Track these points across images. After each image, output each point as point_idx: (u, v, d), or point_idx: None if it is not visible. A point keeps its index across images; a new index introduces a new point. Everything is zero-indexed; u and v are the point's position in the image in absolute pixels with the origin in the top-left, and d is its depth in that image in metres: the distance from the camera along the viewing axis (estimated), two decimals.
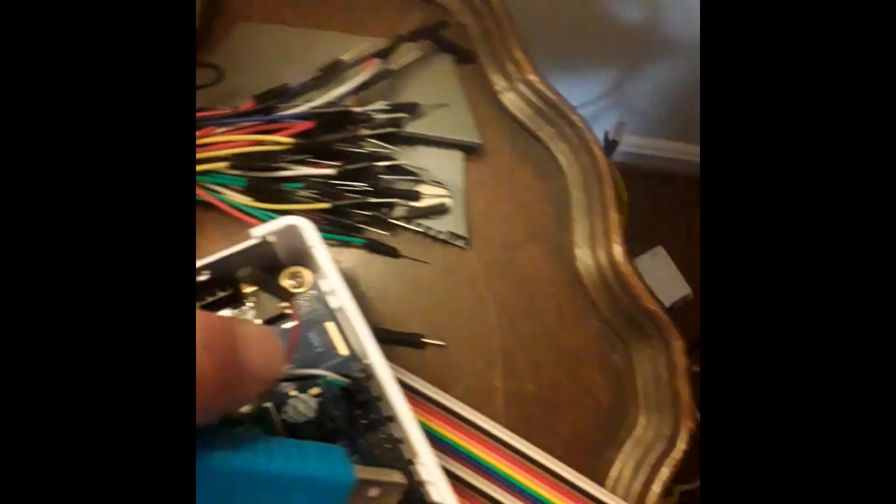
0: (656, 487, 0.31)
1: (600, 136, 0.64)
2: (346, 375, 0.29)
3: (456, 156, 0.39)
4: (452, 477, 0.31)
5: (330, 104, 0.34)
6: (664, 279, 1.09)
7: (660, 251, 1.10)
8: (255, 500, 0.20)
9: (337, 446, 0.26)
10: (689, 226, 1.15)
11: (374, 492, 0.25)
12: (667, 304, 1.09)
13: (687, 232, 1.14)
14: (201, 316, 0.18)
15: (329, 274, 0.29)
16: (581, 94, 0.96)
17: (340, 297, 0.29)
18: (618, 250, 0.35)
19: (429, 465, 0.26)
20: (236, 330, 0.20)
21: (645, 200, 1.16)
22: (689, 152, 1.10)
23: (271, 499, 0.21)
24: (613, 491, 0.32)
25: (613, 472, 0.32)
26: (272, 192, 0.33)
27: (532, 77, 0.39)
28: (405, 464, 0.29)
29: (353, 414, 0.30)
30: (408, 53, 0.38)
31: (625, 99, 0.97)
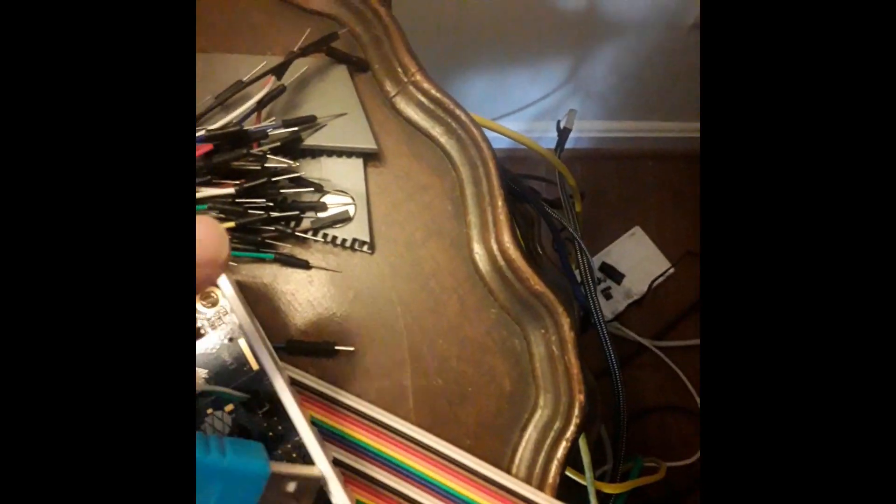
0: (554, 467, 0.33)
1: (554, 126, 0.66)
2: (246, 390, 0.31)
3: (357, 163, 0.40)
4: (370, 480, 0.33)
5: (227, 125, 0.35)
6: (644, 258, 1.13)
7: (637, 231, 1.14)
8: None
9: (256, 442, 0.27)
10: (662, 202, 1.18)
11: (290, 486, 0.27)
12: (649, 280, 1.13)
13: (660, 208, 1.17)
14: None
15: (225, 292, 0.30)
16: (541, 86, 0.97)
17: (237, 314, 0.30)
18: (506, 237, 0.37)
19: (321, 465, 0.28)
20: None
21: (617, 183, 1.18)
22: (653, 129, 1.11)
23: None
24: (517, 474, 0.34)
25: (517, 456, 0.35)
26: None
27: (418, 77, 0.40)
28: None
29: (262, 427, 0.32)
30: (303, 67, 0.39)
31: (582, 85, 0.99)
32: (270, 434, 0.31)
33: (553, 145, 0.65)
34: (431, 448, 0.34)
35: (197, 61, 0.41)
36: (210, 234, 0.23)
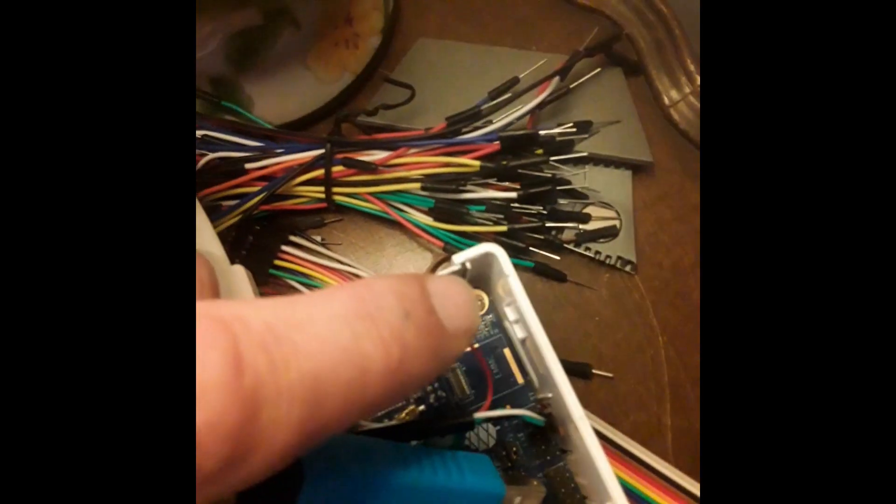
0: None
1: None
2: (542, 414, 0.29)
3: (625, 175, 0.38)
4: None
5: (510, 124, 0.34)
6: None
7: None
8: None
9: (483, 456, 0.26)
10: None
11: (517, 500, 0.26)
12: None
13: None
14: (390, 281, 0.16)
15: (521, 303, 0.29)
16: None
17: (531, 328, 0.28)
18: None
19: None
20: (427, 287, 0.17)
21: None
22: None
23: None
24: None
25: None
26: (453, 214, 0.33)
27: None
28: (582, 499, 0.29)
29: (534, 445, 0.30)
30: (584, 69, 0.37)
31: None
32: (538, 458, 0.29)
33: None
34: (692, 494, 0.31)
35: (463, 51, 0.39)
36: (463, 301, 0.18)
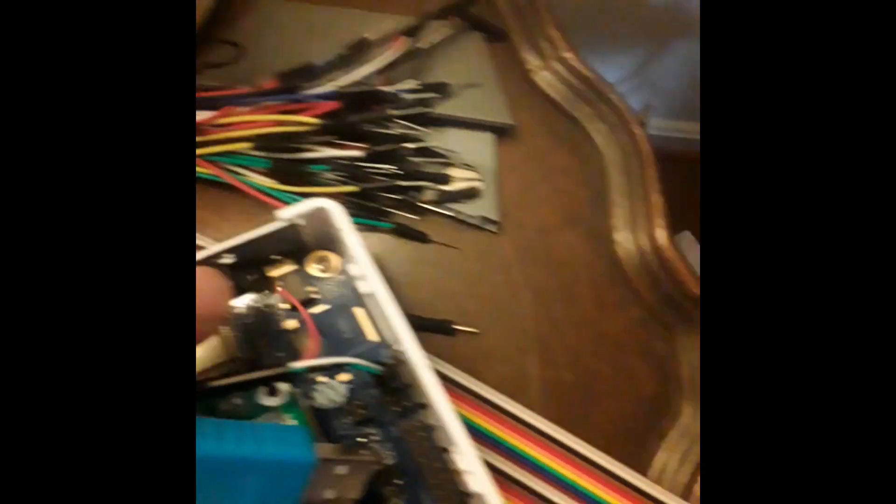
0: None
1: None
2: (377, 362, 0.28)
3: (487, 138, 0.37)
4: (487, 466, 0.30)
5: (356, 84, 0.33)
6: (694, 262, 1.06)
7: (687, 235, 1.08)
8: (205, 487, 0.19)
9: (298, 426, 0.25)
10: None
11: (341, 469, 0.24)
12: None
13: None
14: None
15: (359, 258, 0.28)
16: (605, 75, 0.94)
17: (371, 283, 0.28)
18: (661, 234, 0.33)
19: (467, 455, 0.25)
20: None
21: (671, 184, 1.13)
22: None
23: (223, 484, 0.20)
24: (658, 482, 0.30)
25: (657, 464, 0.31)
26: (297, 175, 0.32)
27: (567, 54, 0.37)
28: (439, 452, 0.28)
29: (384, 401, 0.29)
30: (437, 31, 0.37)
31: (650, 80, 0.94)
32: (395, 410, 0.28)
33: None
34: (561, 443, 0.30)
35: (311, 12, 0.39)
36: (211, 289, 0.21)
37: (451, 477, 0.27)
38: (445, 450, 0.28)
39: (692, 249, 1.07)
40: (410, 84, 0.34)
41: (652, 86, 0.96)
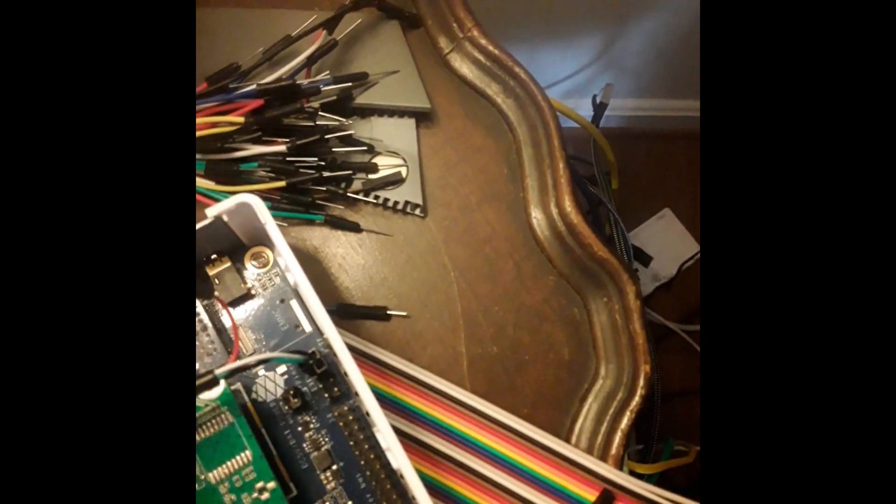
0: (618, 438, 0.32)
1: (590, 101, 0.64)
2: (300, 352, 0.30)
3: (409, 123, 0.39)
4: (424, 445, 0.32)
5: (279, 80, 0.34)
6: (673, 240, 1.09)
7: (667, 213, 1.10)
8: None
9: None
10: (693, 184, 1.14)
11: None
12: (678, 263, 1.10)
13: (692, 190, 1.13)
14: None
15: (282, 251, 0.29)
16: (573, 61, 0.94)
17: (295, 274, 0.29)
18: (567, 201, 0.35)
19: (384, 432, 0.26)
20: None
21: (647, 163, 1.15)
22: (686, 108, 1.07)
23: None
24: (577, 444, 0.33)
25: (577, 426, 0.34)
26: (231, 174, 0.33)
27: (475, 32, 0.38)
28: (370, 433, 0.30)
29: (317, 389, 0.31)
30: (354, 22, 0.38)
31: (616, 61, 0.96)
32: (326, 396, 0.30)
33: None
34: (488, 416, 0.33)
35: (244, 15, 0.39)
36: None
37: (381, 458, 0.29)
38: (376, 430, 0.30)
39: (673, 225, 1.10)
40: (325, 75, 0.35)
41: (618, 66, 0.97)
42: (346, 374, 0.28)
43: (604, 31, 0.89)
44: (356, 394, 0.28)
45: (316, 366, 0.29)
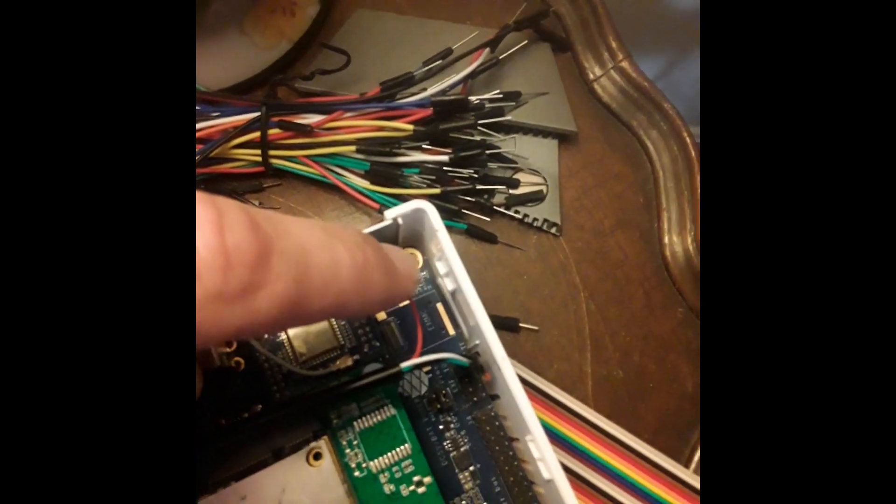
0: None
1: None
2: (466, 356, 0.31)
3: (552, 144, 0.40)
4: None
5: (443, 92, 0.36)
6: None
7: None
8: None
9: None
10: None
11: None
12: None
13: None
14: (341, 227, 0.20)
15: (450, 257, 0.30)
16: None
17: (459, 280, 0.30)
18: None
19: (540, 443, 0.27)
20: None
21: None
22: None
23: None
24: (697, 474, 0.34)
25: (696, 457, 0.34)
26: (389, 177, 0.35)
27: (625, 64, 0.40)
28: (508, 440, 0.31)
29: (458, 390, 0.32)
30: (512, 42, 0.39)
31: (673, 85, 0.96)
32: (474, 400, 0.31)
33: None
34: (613, 437, 0.34)
35: (400, 23, 0.41)
36: (403, 254, 0.25)
37: (519, 464, 0.31)
38: (515, 439, 0.31)
39: None
40: (493, 94, 0.37)
41: (673, 91, 0.97)
42: (494, 378, 0.29)
43: (667, 54, 0.89)
44: (494, 398, 0.30)
45: (476, 371, 0.30)
